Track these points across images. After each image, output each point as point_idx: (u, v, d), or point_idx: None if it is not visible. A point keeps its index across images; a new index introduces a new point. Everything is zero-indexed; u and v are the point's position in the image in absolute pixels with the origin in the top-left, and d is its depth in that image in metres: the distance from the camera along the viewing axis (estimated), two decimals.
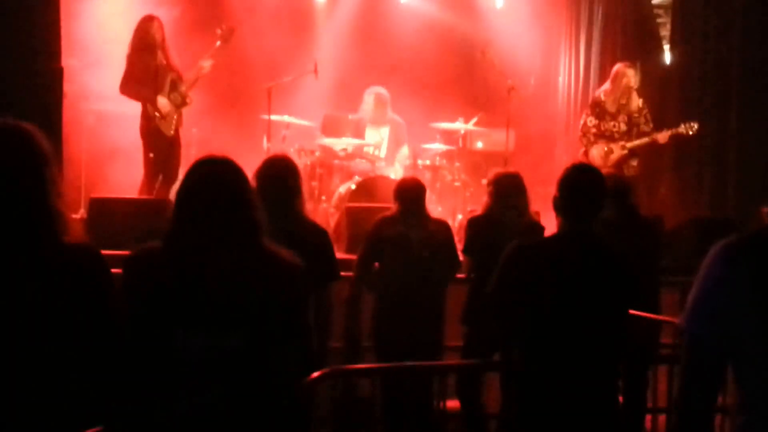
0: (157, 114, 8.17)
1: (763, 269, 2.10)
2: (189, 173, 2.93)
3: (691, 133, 8.71)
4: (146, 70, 8.19)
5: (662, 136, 8.76)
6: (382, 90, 9.48)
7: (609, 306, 3.73)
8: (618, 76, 8.85)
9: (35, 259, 2.54)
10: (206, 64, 8.44)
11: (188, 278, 2.77)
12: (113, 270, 2.71)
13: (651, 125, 8.86)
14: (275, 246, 2.92)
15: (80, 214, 8.09)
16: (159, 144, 8.24)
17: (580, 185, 3.76)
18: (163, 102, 8.21)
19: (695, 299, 2.21)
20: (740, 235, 2.18)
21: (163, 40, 8.36)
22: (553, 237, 3.85)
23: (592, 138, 8.88)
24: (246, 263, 2.82)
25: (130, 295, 2.79)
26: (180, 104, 8.38)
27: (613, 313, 3.75)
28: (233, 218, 2.84)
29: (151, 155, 8.18)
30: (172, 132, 8.30)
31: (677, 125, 8.78)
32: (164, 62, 8.31)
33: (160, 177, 8.03)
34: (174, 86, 8.33)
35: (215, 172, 2.90)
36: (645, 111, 8.91)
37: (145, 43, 8.25)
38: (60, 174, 7.10)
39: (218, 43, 8.58)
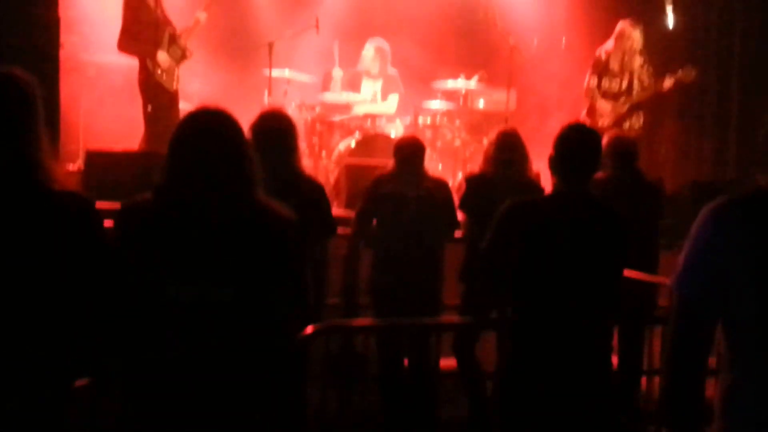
0: (159, 70, 8.10)
1: (752, 230, 2.11)
2: (182, 124, 2.86)
3: (689, 79, 8.64)
4: (143, 24, 8.09)
5: (666, 84, 8.68)
6: (383, 42, 9.44)
7: (602, 265, 3.72)
8: (622, 37, 8.77)
9: (16, 205, 2.51)
10: (201, 16, 8.36)
11: (178, 230, 2.73)
12: (108, 222, 2.70)
13: (653, 79, 8.80)
14: (269, 199, 2.87)
15: (77, 166, 8.07)
16: (159, 98, 8.17)
17: (575, 145, 3.74)
18: (163, 57, 8.12)
19: (685, 260, 2.22)
20: (730, 197, 2.18)
21: None
22: (548, 196, 3.85)
23: (595, 96, 8.85)
24: (238, 216, 2.77)
25: (121, 246, 2.74)
26: (180, 58, 8.30)
27: (606, 272, 3.75)
28: (226, 170, 2.78)
29: (150, 109, 8.12)
30: (174, 87, 8.24)
31: (676, 71, 8.71)
32: (161, 16, 8.21)
33: None
34: (172, 40, 8.25)
35: (208, 123, 2.83)
36: (646, 66, 8.84)
37: None
38: (56, 125, 7.09)
39: None
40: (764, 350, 2.11)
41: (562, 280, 3.65)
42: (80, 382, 2.72)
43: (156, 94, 8.16)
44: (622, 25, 8.84)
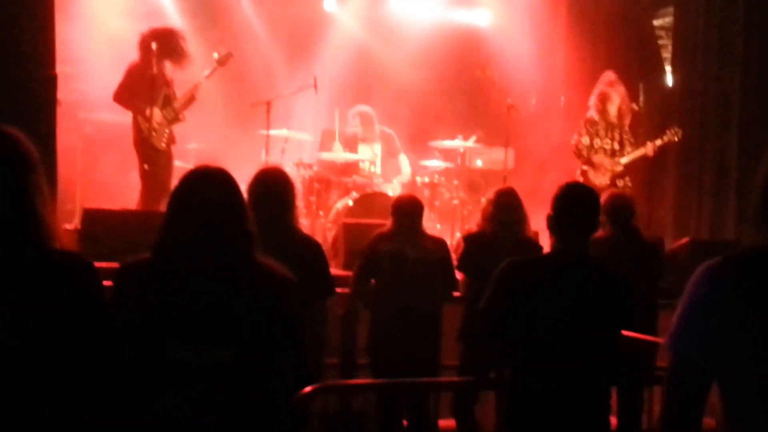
0: (146, 125, 8.11)
1: (747, 289, 2.09)
2: (180, 183, 2.86)
3: (676, 138, 8.74)
4: (142, 81, 8.13)
5: (650, 148, 8.79)
6: (366, 108, 9.55)
7: (601, 325, 3.71)
8: (604, 100, 8.86)
9: (18, 265, 2.46)
10: (201, 84, 8.42)
11: (177, 290, 2.72)
12: (106, 282, 2.65)
13: (632, 140, 8.91)
14: (267, 259, 2.86)
15: (74, 225, 8.04)
16: (153, 156, 8.18)
17: (573, 204, 3.75)
18: (156, 114, 8.15)
19: (680, 319, 2.20)
20: (725, 256, 2.16)
21: (162, 53, 8.29)
22: (546, 255, 3.86)
23: (587, 155, 8.89)
24: (237, 276, 2.76)
25: (119, 307, 2.71)
26: (172, 119, 8.32)
27: (605, 332, 3.73)
28: (224, 230, 2.77)
29: (146, 167, 8.13)
30: (163, 145, 8.23)
31: (663, 132, 8.84)
32: (160, 76, 8.25)
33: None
34: (167, 101, 8.28)
35: (207, 183, 2.82)
36: (628, 131, 8.95)
37: (146, 57, 8.19)
38: (53, 183, 7.07)
39: (214, 65, 8.53)
40: (760, 413, 2.08)
41: (560, 340, 3.62)
42: None
43: (150, 152, 8.16)
44: (602, 88, 8.91)
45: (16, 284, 2.45)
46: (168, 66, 8.32)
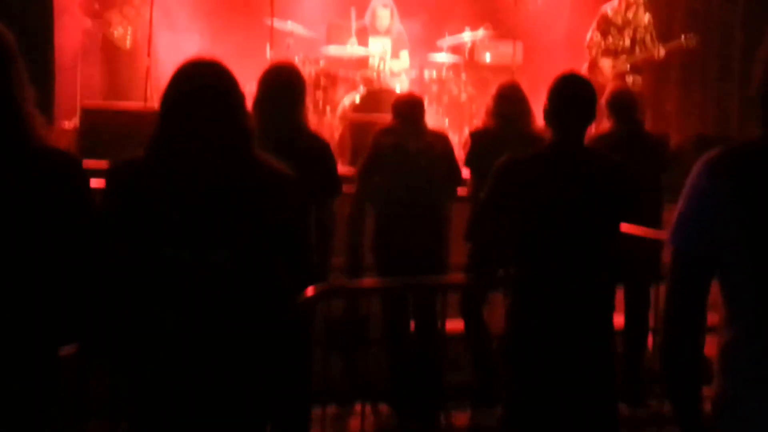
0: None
1: (744, 181, 2.11)
2: (174, 77, 2.71)
3: (691, 45, 8.67)
4: None
5: (660, 52, 8.73)
6: (390, 1, 9.33)
7: (602, 216, 3.68)
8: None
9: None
10: None
11: (171, 190, 2.62)
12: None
13: (656, 42, 8.82)
14: (266, 156, 2.76)
15: (73, 123, 8.02)
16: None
17: (569, 95, 3.69)
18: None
19: (680, 214, 2.22)
20: (723, 149, 2.17)
21: None
22: (544, 149, 3.79)
23: (596, 52, 8.83)
24: (233, 174, 2.65)
25: (111, 206, 2.63)
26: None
27: (607, 223, 3.72)
28: (220, 126, 2.66)
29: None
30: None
31: (678, 38, 8.75)
32: None
33: None
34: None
35: (202, 76, 2.69)
36: (651, 28, 8.85)
37: None
38: (51, 80, 7.03)
39: None
40: (760, 305, 2.11)
41: (560, 235, 3.60)
42: (68, 350, 2.59)
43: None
44: None
45: None
46: None
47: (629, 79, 8.69)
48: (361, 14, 9.40)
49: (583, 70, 8.80)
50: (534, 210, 3.63)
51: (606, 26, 8.83)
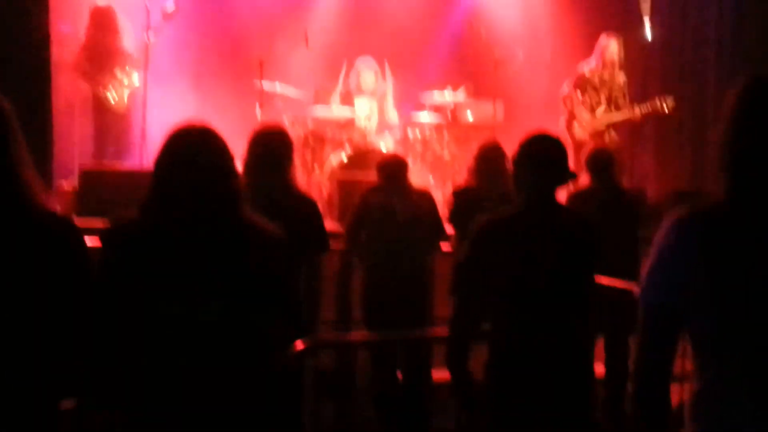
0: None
1: (710, 239, 2.19)
2: (167, 142, 2.82)
3: (666, 109, 8.86)
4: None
5: (637, 113, 8.97)
6: (372, 60, 9.52)
7: (576, 273, 3.71)
8: (601, 49, 9.04)
9: None
10: (151, 39, 8.65)
11: (163, 248, 2.71)
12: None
13: (627, 102, 9.08)
14: (255, 216, 2.87)
15: (72, 184, 8.17)
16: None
17: (539, 154, 3.69)
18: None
19: (650, 269, 2.30)
20: (689, 209, 2.27)
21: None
22: (519, 208, 3.75)
23: (572, 105, 9.08)
24: (222, 233, 2.76)
25: (108, 266, 2.72)
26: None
27: (581, 279, 3.73)
28: (211, 188, 2.76)
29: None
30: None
31: (653, 99, 8.95)
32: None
33: None
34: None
35: (193, 143, 2.80)
36: (625, 89, 9.13)
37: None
38: (49, 142, 7.12)
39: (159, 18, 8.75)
40: (727, 356, 2.19)
41: (537, 292, 3.62)
42: (66, 405, 2.64)
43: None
44: (601, 39, 9.09)
45: None
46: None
47: (606, 137, 8.91)
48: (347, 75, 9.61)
49: (561, 124, 9.07)
50: (512, 267, 3.64)
51: (583, 85, 9.06)
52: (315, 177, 8.88)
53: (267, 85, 9.05)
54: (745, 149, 2.21)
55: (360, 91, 9.40)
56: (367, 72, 9.39)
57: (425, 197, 5.87)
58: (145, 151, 8.38)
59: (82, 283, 2.56)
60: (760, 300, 2.15)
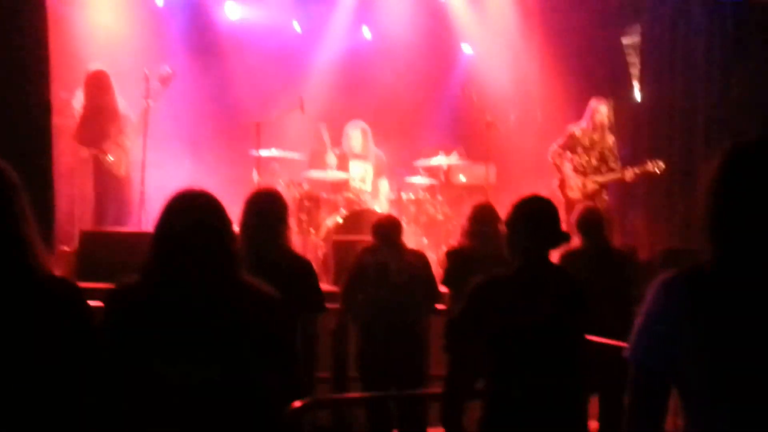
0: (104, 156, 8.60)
1: (697, 301, 2.23)
2: (166, 208, 2.91)
3: (657, 171, 9.02)
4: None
5: (629, 174, 9.11)
6: (364, 124, 9.68)
7: (568, 333, 3.77)
8: (591, 112, 9.20)
9: (4, 290, 2.49)
10: (150, 104, 8.76)
11: (164, 312, 2.79)
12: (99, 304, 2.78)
13: (618, 163, 9.20)
14: (251, 278, 2.94)
15: (73, 246, 8.25)
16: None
17: (532, 216, 3.77)
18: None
19: (638, 330, 2.32)
20: (678, 272, 2.31)
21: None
22: (513, 270, 3.81)
23: (560, 162, 9.23)
24: (220, 296, 2.84)
25: (110, 328, 2.80)
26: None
27: (573, 339, 3.80)
28: (209, 252, 2.85)
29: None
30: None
31: (645, 162, 9.10)
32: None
33: None
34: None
35: (191, 208, 2.89)
36: (615, 150, 9.27)
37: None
38: (50, 206, 7.18)
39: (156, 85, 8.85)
40: (715, 415, 2.21)
41: (530, 353, 3.68)
42: None
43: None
44: (592, 102, 9.25)
45: (2, 310, 2.48)
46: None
47: (597, 198, 9.00)
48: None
49: (554, 185, 9.20)
50: (507, 327, 3.70)
51: (573, 145, 9.21)
52: (311, 238, 8.95)
53: (264, 151, 9.17)
54: (727, 216, 2.25)
55: (353, 153, 9.55)
56: (354, 132, 9.57)
57: (419, 258, 5.97)
58: (143, 213, 8.49)
59: (86, 346, 2.61)
60: (747, 360, 2.17)
